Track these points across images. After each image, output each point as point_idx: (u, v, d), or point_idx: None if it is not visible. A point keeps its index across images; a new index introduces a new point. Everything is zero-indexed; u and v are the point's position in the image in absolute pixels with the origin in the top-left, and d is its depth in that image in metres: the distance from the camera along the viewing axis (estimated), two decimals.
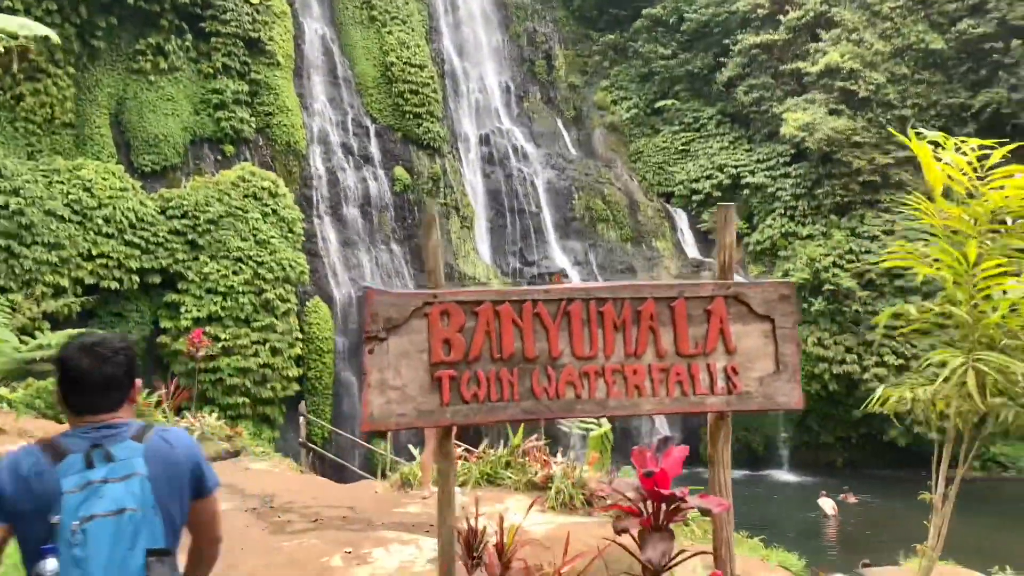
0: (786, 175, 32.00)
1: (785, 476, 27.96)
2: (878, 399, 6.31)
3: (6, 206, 18.57)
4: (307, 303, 24.92)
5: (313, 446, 15.94)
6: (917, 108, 29.12)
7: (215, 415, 12.68)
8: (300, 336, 23.92)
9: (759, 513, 19.49)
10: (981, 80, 28.81)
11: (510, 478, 7.18)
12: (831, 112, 29.63)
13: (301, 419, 14.65)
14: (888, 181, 29.64)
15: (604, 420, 7.66)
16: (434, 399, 4.24)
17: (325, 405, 23.85)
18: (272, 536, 6.20)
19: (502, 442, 7.72)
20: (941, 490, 6.03)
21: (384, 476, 9.46)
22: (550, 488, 6.76)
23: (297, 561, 5.35)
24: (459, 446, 7.86)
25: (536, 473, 7.04)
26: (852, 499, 23.08)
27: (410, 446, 8.87)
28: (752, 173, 32.81)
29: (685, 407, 4.73)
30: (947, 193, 5.49)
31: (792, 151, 31.83)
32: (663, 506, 4.36)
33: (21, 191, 19.11)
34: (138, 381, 2.38)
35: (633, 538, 4.30)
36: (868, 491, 25.05)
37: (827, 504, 21.33)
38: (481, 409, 4.32)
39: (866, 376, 27.33)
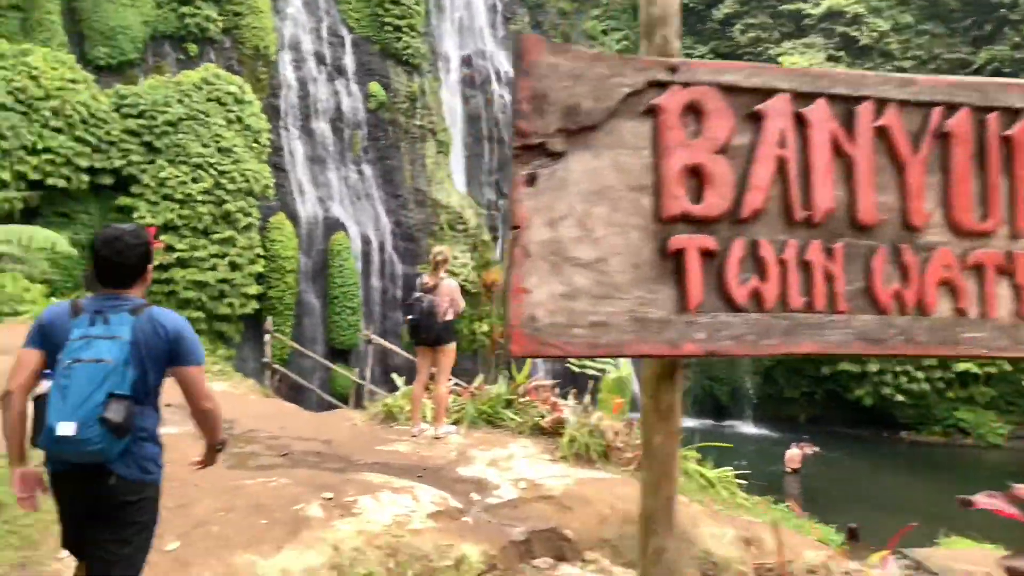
0: None
1: (748, 428, 27.77)
2: None
3: None
4: (270, 219, 23.53)
5: (280, 368, 14.81)
6: (917, 60, 28.18)
7: None
8: (262, 253, 22.60)
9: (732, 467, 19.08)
10: (985, 36, 27.91)
11: (513, 420, 6.27)
12: (829, 59, 28.58)
13: (267, 337, 13.49)
14: None
15: (622, 361, 6.78)
16: (667, 296, 2.11)
17: (286, 326, 22.73)
18: (232, 472, 5.21)
19: (500, 378, 6.79)
20: None
21: (360, 406, 8.47)
22: (560, 435, 5.86)
23: (264, 506, 4.39)
24: (451, 380, 6.89)
25: (543, 417, 6.13)
26: (809, 449, 22.89)
27: (395, 375, 7.84)
28: None
29: None
30: None
31: None
32: None
33: None
34: (150, 266, 2.95)
35: None
36: (831, 448, 24.96)
37: (794, 456, 21.00)
38: (769, 327, 2.16)
39: None
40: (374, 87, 28.40)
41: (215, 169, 21.47)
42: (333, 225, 25.46)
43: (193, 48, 24.56)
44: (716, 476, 6.05)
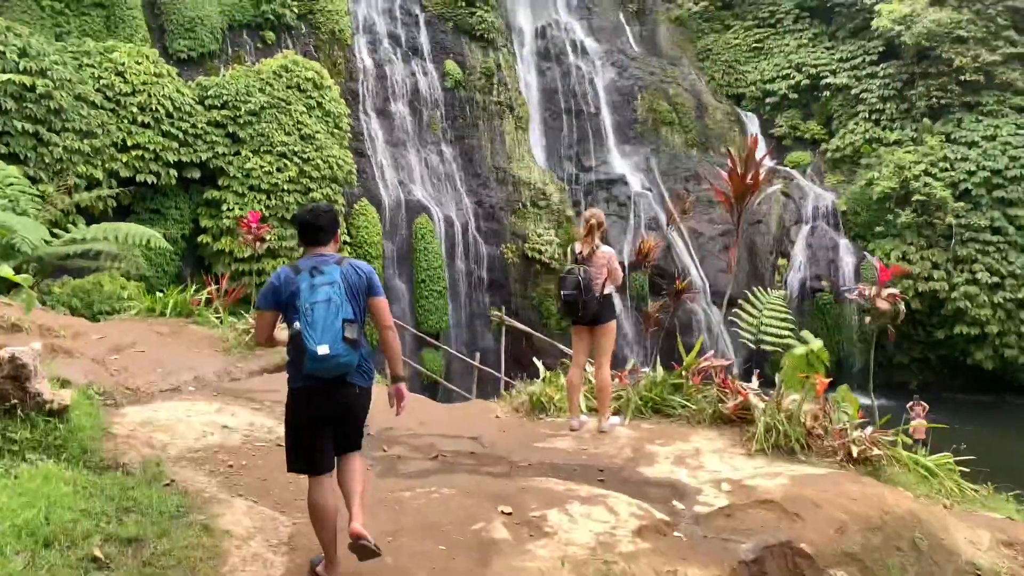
0: (873, 75, 29.18)
1: (856, 397, 26.16)
2: None
3: (32, 88, 16.74)
4: (354, 205, 23.17)
5: None
6: None
7: None
8: (348, 240, 22.27)
9: None
10: None
11: (684, 407, 5.43)
12: (933, 2, 26.50)
13: None
14: (992, 81, 26.73)
15: (809, 333, 5.87)
16: None
17: None
18: (384, 481, 4.53)
19: (655, 360, 5.95)
20: None
21: (498, 396, 7.75)
22: (746, 422, 4.99)
23: (436, 526, 3.68)
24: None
25: (723, 402, 5.26)
26: (921, 410, 21.34)
27: (536, 360, 7.01)
28: (834, 73, 30.00)
29: None
30: None
31: (882, 48, 28.96)
32: None
33: (48, 72, 17.24)
34: (339, 230, 4.12)
35: None
36: (949, 416, 23.30)
37: (920, 427, 19.48)
38: None
39: (954, 295, 25.28)
40: (449, 65, 27.73)
41: (299, 157, 21.17)
42: (415, 208, 24.97)
43: (270, 36, 24.37)
44: (935, 463, 5.09)
